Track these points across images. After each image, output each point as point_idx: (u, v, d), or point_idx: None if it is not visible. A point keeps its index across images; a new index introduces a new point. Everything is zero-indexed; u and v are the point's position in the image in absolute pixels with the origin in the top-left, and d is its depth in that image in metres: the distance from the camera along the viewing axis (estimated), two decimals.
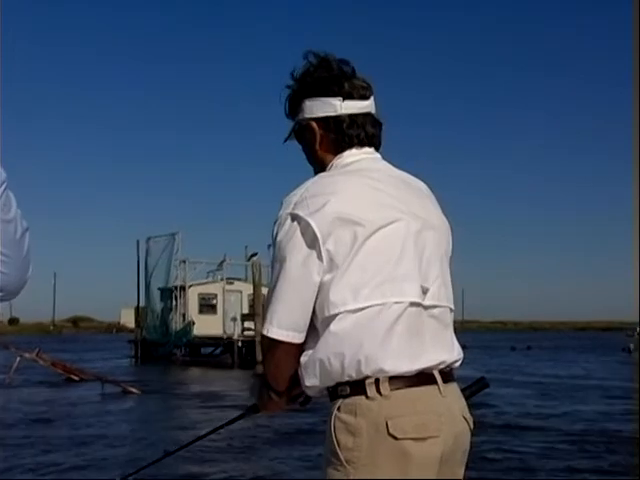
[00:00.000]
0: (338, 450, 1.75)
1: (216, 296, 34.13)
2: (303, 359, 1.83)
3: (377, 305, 1.76)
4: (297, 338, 1.81)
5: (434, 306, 1.86)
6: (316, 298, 1.79)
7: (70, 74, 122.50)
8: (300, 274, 1.78)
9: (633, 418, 12.97)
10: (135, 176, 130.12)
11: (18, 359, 20.50)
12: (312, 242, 1.78)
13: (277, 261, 1.82)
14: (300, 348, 1.83)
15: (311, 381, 1.83)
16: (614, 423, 12.47)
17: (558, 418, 13.23)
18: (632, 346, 41.21)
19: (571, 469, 8.75)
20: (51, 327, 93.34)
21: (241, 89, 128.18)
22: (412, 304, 1.80)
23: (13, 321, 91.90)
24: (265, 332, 1.82)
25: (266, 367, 1.92)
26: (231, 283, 34.26)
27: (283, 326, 1.80)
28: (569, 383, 20.94)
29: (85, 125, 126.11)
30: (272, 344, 1.82)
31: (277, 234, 1.83)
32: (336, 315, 1.77)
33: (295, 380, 1.88)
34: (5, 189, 1.44)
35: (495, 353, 37.90)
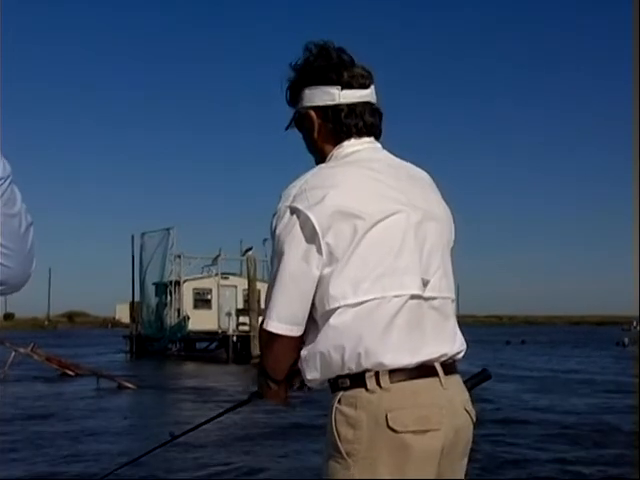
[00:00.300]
0: (338, 442, 1.75)
1: (211, 291, 34.09)
2: (303, 352, 1.83)
3: (377, 299, 1.76)
4: (295, 331, 1.81)
5: (435, 297, 1.85)
6: (316, 292, 1.79)
7: (70, 74, 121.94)
8: (299, 268, 1.77)
9: (630, 411, 13.02)
10: (131, 173, 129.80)
11: (13, 354, 20.44)
12: (311, 236, 1.77)
13: (276, 255, 1.81)
14: (299, 340, 1.83)
15: (312, 374, 1.83)
16: (608, 416, 12.52)
17: (552, 412, 13.27)
18: (627, 340, 41.37)
19: (565, 461, 8.79)
20: (46, 322, 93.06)
21: (241, 89, 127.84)
22: (412, 297, 1.79)
23: (8, 316, 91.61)
24: (264, 325, 1.82)
25: (264, 359, 1.91)
26: (226, 278, 34.22)
27: (282, 320, 1.79)
28: (563, 377, 21.02)
29: (84, 124, 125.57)
30: (271, 337, 1.82)
31: (276, 227, 1.82)
32: (336, 309, 1.76)
33: (296, 368, 1.87)
34: (10, 183, 1.43)
35: (490, 347, 37.96)
